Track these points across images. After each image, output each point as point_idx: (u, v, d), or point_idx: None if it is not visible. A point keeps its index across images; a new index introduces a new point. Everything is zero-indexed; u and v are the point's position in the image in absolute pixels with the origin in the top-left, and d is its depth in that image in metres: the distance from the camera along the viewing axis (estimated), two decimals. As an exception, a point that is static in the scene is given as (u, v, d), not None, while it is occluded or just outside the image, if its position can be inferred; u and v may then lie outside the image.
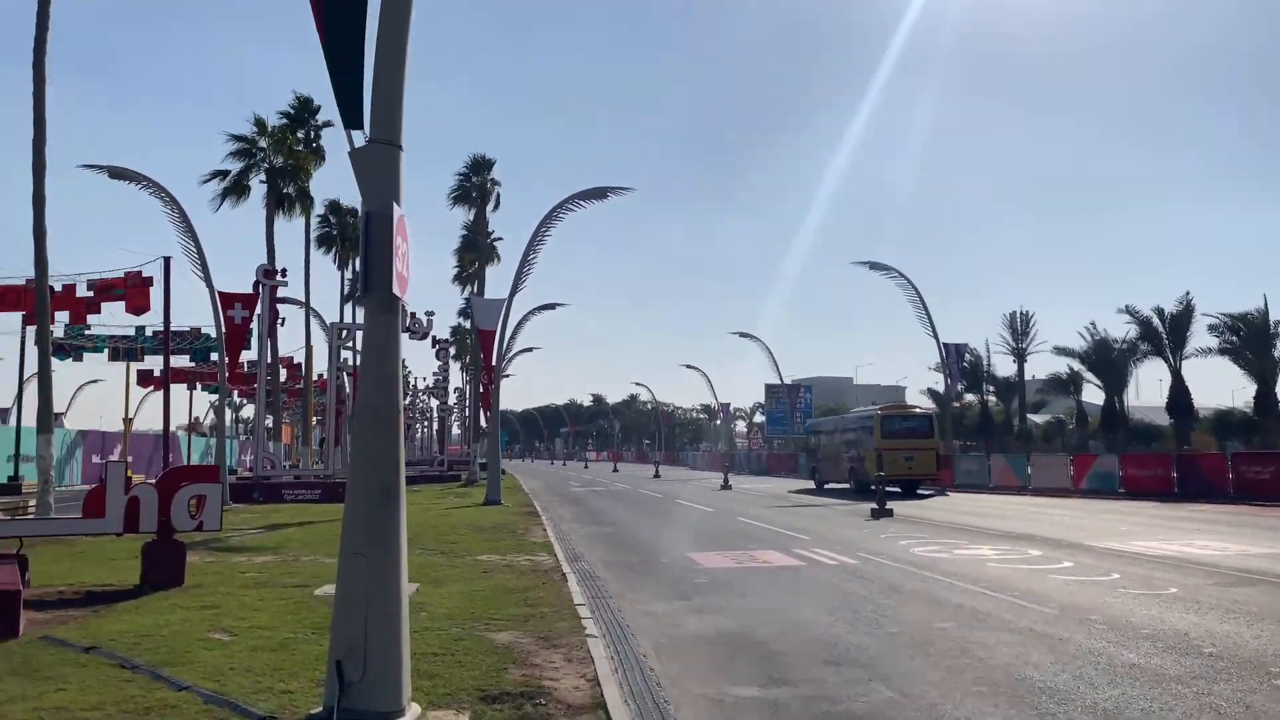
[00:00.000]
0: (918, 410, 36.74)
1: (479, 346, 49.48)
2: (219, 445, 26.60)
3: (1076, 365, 50.53)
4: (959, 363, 40.38)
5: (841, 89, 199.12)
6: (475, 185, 45.81)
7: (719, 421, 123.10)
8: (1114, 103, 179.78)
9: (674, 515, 24.38)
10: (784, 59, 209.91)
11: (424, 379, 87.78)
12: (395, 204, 5.50)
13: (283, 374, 45.57)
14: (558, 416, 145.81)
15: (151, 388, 52.66)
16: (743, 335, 60.36)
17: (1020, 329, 60.71)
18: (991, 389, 60.30)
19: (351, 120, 5.64)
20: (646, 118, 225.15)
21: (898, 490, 31.47)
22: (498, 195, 47.03)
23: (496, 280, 73.55)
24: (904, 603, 10.15)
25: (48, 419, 17.64)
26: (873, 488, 23.65)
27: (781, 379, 61.87)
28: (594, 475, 60.20)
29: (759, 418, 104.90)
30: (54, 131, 18.86)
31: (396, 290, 5.50)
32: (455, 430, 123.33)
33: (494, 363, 27.13)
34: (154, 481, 10.97)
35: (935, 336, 38.40)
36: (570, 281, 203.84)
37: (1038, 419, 64.99)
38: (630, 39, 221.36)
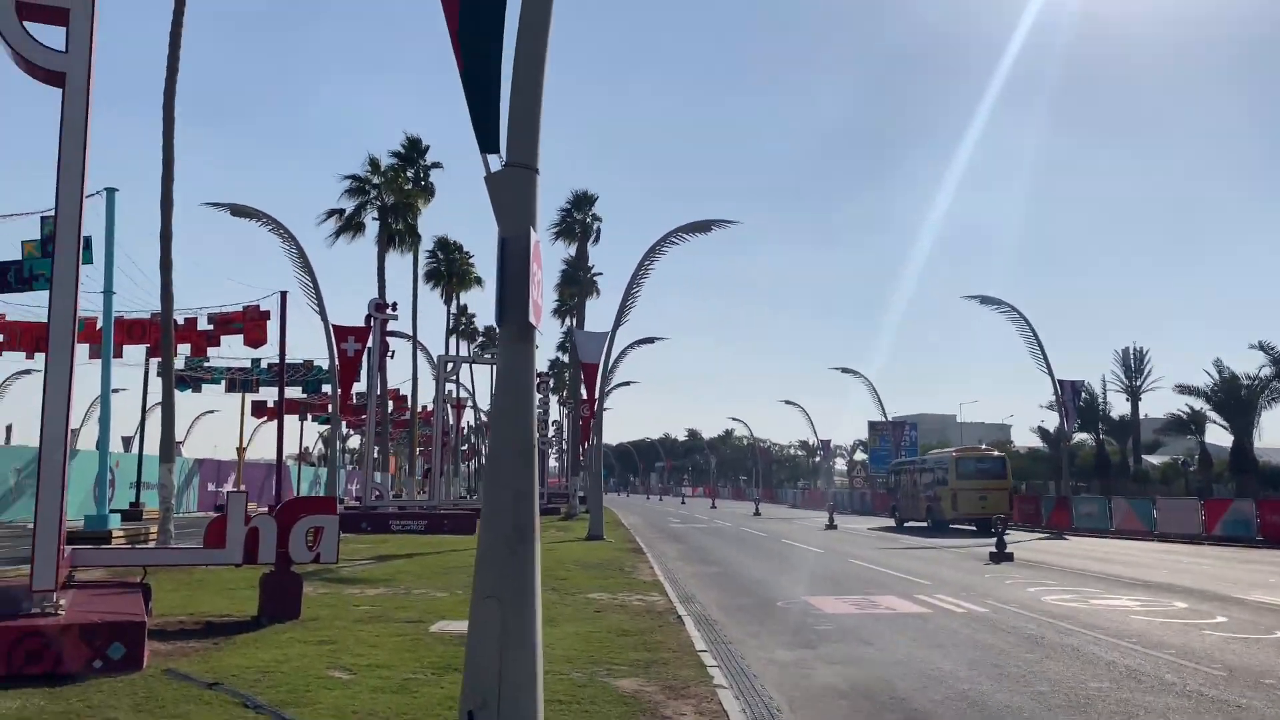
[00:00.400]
0: (993, 453, 38.88)
1: (579, 379, 49.74)
2: (330, 475, 27.02)
3: (1199, 404, 47.99)
4: (1075, 400, 38.63)
5: (940, 123, 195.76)
6: (577, 220, 46.22)
7: (817, 458, 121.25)
8: (1232, 128, 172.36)
9: (782, 556, 23.72)
10: (880, 93, 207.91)
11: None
12: (531, 229, 5.27)
13: (389, 406, 46.45)
14: (653, 451, 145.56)
15: (265, 418, 54.21)
16: (845, 371, 59.18)
17: (1134, 366, 58.10)
18: (1103, 428, 57.78)
19: (487, 144, 5.44)
20: (739, 155, 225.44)
21: (973, 528, 33.48)
22: (598, 230, 47.44)
23: (594, 314, 74.02)
24: (1048, 657, 9.44)
25: (170, 448, 18.11)
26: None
27: (885, 415, 60.38)
28: (692, 511, 59.61)
29: (859, 455, 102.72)
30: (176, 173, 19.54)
31: (532, 319, 5.25)
32: (552, 462, 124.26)
33: (595, 396, 27.00)
34: (273, 512, 10.98)
35: (1050, 373, 36.82)
36: (665, 317, 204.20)
37: (1153, 460, 61.99)
38: (724, 78, 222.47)
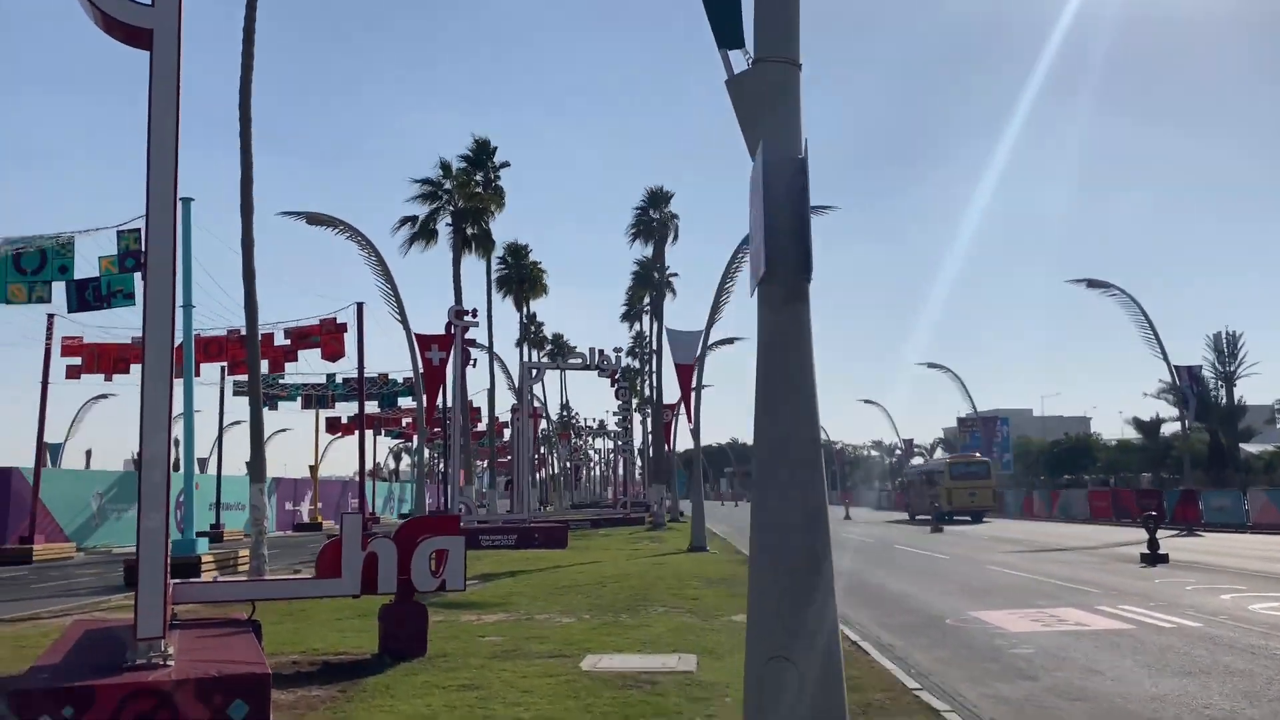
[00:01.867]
0: (976, 457, 47.31)
1: (653, 384, 48.32)
2: (418, 491, 25.94)
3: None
4: (1194, 387, 36.19)
5: (988, 114, 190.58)
6: (654, 219, 44.75)
7: (894, 458, 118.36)
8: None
9: (906, 563, 21.99)
10: (925, 84, 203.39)
11: (589, 419, 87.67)
12: (802, 145, 3.84)
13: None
14: (722, 456, 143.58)
15: (339, 434, 53.71)
16: (931, 366, 56.83)
17: (1228, 351, 54.74)
18: (1187, 415, 54.71)
19: (728, 36, 4.04)
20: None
21: (967, 519, 42.29)
22: (676, 228, 45.86)
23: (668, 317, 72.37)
24: (1335, 687, 7.75)
25: (260, 467, 17.03)
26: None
27: (975, 410, 57.96)
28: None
29: (939, 454, 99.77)
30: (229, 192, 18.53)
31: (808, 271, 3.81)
32: (618, 471, 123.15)
33: (692, 399, 25.55)
34: (391, 535, 9.69)
35: (1165, 358, 34.41)
36: (726, 318, 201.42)
37: (1251, 449, 58.66)
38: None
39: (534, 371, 30.77)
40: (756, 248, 3.86)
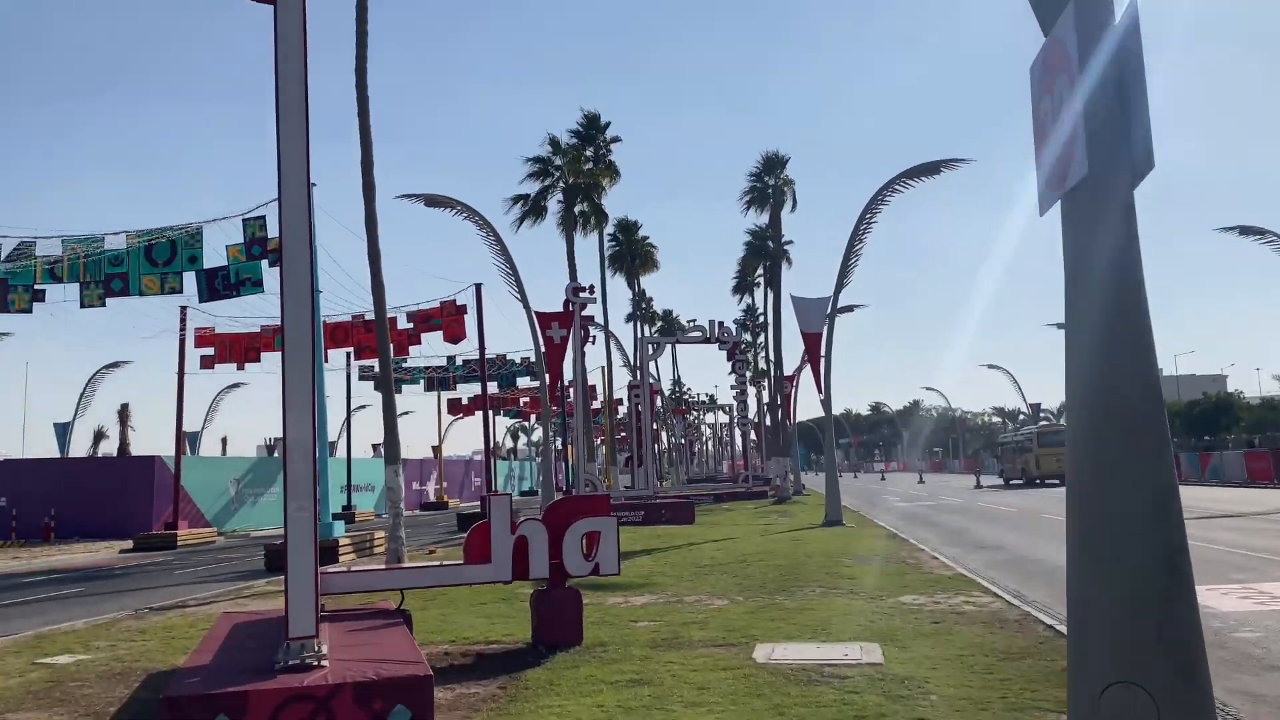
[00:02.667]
0: (1062, 426, 49.43)
1: (777, 355, 47.17)
2: (546, 469, 25.58)
3: None
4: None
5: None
6: (769, 186, 43.37)
7: (1018, 423, 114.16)
8: None
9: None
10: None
11: (700, 393, 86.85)
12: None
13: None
14: (837, 426, 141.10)
15: (460, 415, 54.36)
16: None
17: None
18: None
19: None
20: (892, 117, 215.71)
21: (1055, 482, 44.94)
22: (793, 194, 44.35)
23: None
24: None
25: (395, 449, 16.81)
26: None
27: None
28: (901, 488, 56.20)
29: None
30: (343, 187, 18.25)
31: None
32: (736, 444, 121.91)
33: (821, 368, 24.44)
34: (539, 516, 9.11)
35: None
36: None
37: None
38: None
39: (653, 347, 30.04)
40: (1057, 149, 2.99)
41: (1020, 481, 49.79)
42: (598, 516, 9.08)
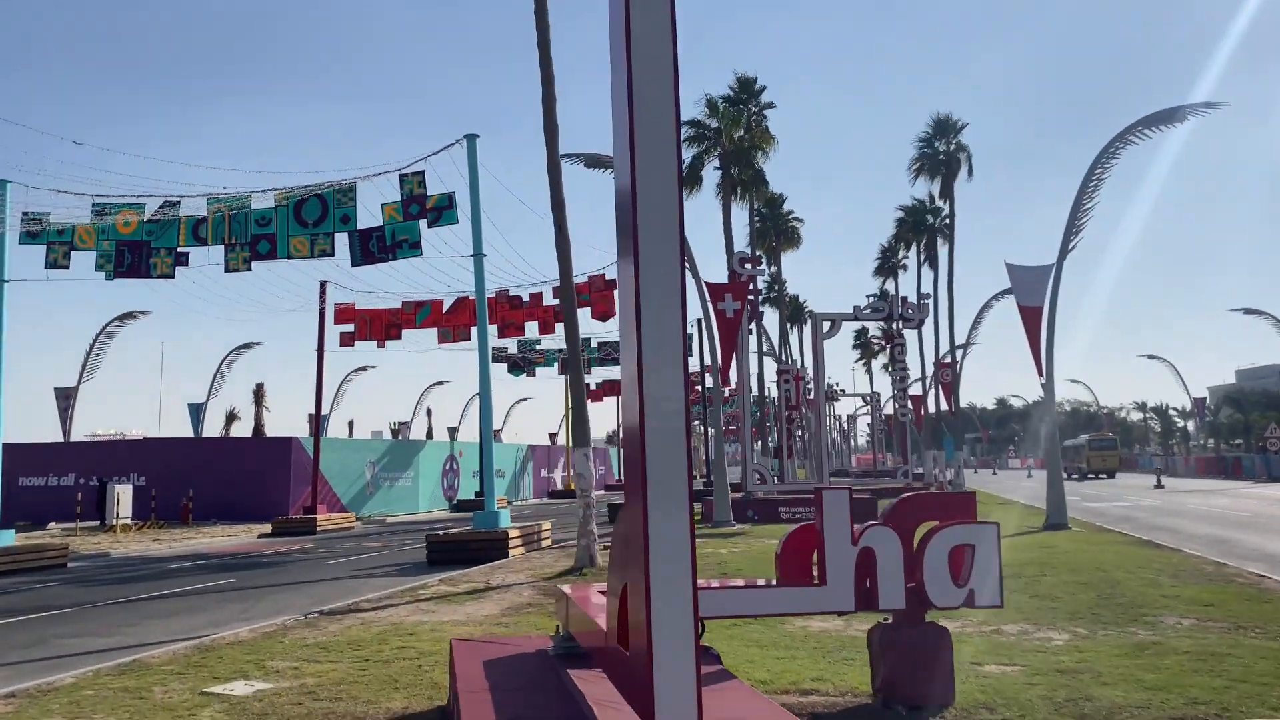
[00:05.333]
0: (1109, 435, 64.93)
1: (935, 339, 43.47)
2: (719, 457, 23.02)
3: None
4: None
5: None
6: (940, 152, 39.68)
7: (1168, 418, 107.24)
8: None
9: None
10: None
11: (837, 385, 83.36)
12: None
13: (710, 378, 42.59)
14: (965, 421, 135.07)
15: (590, 400, 52.34)
16: (1248, 312, 48.88)
17: None
18: None
19: None
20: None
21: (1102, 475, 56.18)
22: (969, 161, 40.17)
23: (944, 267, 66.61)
24: None
25: (585, 431, 14.50)
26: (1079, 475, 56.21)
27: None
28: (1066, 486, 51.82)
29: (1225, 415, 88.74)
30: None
31: None
32: (862, 439, 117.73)
33: (1046, 348, 21.12)
34: (883, 519, 6.48)
35: None
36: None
37: None
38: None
39: (826, 325, 27.24)
40: None
41: (1076, 477, 57.02)
42: (968, 525, 6.41)
